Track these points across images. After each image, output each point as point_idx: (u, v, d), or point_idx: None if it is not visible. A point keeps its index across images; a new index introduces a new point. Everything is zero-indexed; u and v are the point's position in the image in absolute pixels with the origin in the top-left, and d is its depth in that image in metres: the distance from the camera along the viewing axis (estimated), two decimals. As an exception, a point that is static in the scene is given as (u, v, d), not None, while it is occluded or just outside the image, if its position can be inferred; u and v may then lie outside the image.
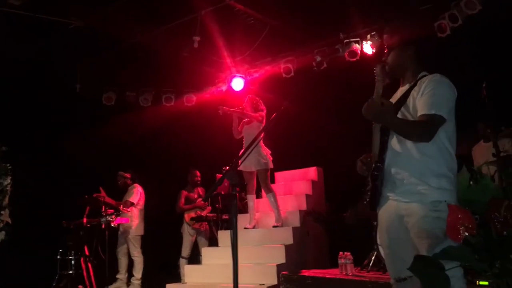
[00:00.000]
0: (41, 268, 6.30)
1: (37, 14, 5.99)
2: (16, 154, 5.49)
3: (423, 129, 2.37)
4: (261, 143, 6.09)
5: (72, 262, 6.24)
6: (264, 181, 6.10)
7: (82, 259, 6.35)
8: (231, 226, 2.51)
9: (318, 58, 7.23)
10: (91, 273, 6.42)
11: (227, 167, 5.66)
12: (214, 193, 6.96)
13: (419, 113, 2.40)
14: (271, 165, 6.14)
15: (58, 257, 6.27)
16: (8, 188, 5.28)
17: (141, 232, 7.27)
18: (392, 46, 2.65)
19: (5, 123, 6.50)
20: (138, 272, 7.12)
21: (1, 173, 5.22)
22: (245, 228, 6.15)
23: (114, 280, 7.05)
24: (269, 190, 6.13)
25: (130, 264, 7.23)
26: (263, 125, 6.02)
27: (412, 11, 6.37)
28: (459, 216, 1.92)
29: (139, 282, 7.11)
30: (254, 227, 6.24)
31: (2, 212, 5.15)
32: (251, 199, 6.29)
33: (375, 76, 2.53)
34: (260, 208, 6.64)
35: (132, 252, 7.15)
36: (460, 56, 5.93)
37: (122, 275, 7.14)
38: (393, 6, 6.23)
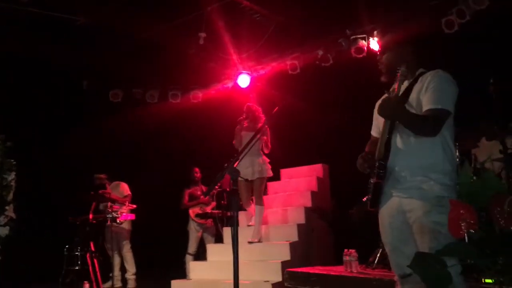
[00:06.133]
0: (47, 264, 6.34)
1: (44, 11, 6.00)
2: (21, 150, 5.52)
3: (430, 123, 2.38)
4: (261, 151, 6.02)
5: (79, 257, 6.28)
6: (260, 191, 5.97)
7: (88, 255, 6.37)
8: (232, 222, 2.49)
9: (321, 52, 7.17)
10: (97, 269, 6.44)
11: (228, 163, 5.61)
12: (219, 189, 6.96)
13: (424, 108, 2.41)
14: (271, 173, 6.05)
15: (65, 253, 6.30)
16: (13, 183, 5.30)
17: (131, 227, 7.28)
18: (387, 45, 2.66)
19: (10, 119, 6.53)
20: (132, 266, 7.12)
21: (5, 169, 5.25)
22: (248, 225, 6.13)
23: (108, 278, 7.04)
24: (261, 203, 5.98)
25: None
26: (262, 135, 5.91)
27: (420, 7, 6.30)
28: (461, 211, 1.89)
29: (135, 277, 7.12)
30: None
31: (7, 207, 5.18)
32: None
33: (398, 75, 2.51)
34: (265, 205, 6.61)
35: (126, 248, 7.14)
36: (466, 52, 5.86)
37: (116, 272, 7.11)
38: (400, 2, 6.19)
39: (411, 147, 2.45)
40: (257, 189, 5.96)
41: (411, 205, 2.39)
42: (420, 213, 2.34)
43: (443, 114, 2.37)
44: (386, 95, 2.58)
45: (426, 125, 2.38)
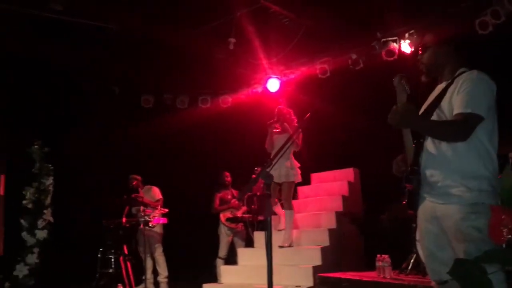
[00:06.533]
0: (82, 266, 6.46)
1: (77, 19, 6.14)
2: (58, 155, 5.70)
3: (456, 129, 2.30)
4: (292, 155, 6.02)
5: (112, 260, 6.38)
6: (288, 195, 5.96)
7: (121, 258, 6.48)
8: (266, 227, 2.49)
9: (354, 56, 7.11)
10: (130, 272, 6.54)
11: (259, 168, 5.62)
12: (249, 194, 6.98)
13: (454, 112, 2.32)
14: (299, 179, 6.04)
15: (99, 255, 6.42)
16: (50, 188, 5.49)
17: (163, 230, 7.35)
18: (428, 44, 2.58)
19: (47, 125, 6.71)
20: (164, 270, 7.18)
21: (43, 173, 5.44)
22: (278, 230, 6.11)
23: (141, 281, 7.13)
24: (290, 207, 5.99)
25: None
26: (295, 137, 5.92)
27: (452, 8, 6.19)
28: (502, 217, 1.84)
29: (167, 280, 7.18)
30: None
31: (45, 211, 5.37)
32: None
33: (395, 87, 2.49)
34: (295, 209, 6.60)
35: (159, 251, 7.21)
36: (503, 52, 5.72)
37: (148, 275, 7.16)
38: (432, 3, 6.09)
39: (443, 152, 2.37)
40: (285, 193, 5.94)
41: (446, 211, 2.32)
42: (455, 219, 2.27)
43: (472, 119, 2.26)
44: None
45: (450, 131, 2.31)
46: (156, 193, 7.39)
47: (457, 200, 2.28)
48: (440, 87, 2.54)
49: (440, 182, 2.35)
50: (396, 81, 2.48)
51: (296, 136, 5.62)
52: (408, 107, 2.32)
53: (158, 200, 7.27)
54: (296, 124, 6.02)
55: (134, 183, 7.41)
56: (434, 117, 2.44)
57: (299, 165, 6.06)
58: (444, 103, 2.40)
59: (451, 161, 2.34)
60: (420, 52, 2.61)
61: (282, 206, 6.09)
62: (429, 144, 2.43)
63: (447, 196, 2.32)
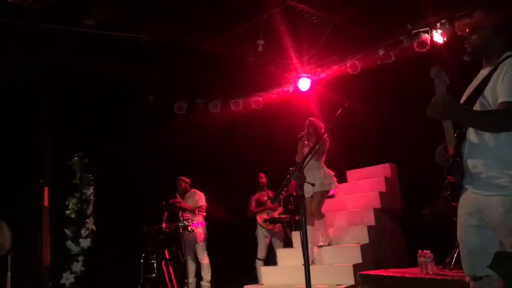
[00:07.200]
0: (126, 272, 6.60)
1: (110, 32, 6.29)
2: (97, 165, 5.86)
3: (501, 119, 2.20)
4: (323, 164, 5.95)
5: (155, 265, 6.50)
6: (319, 205, 5.86)
7: (163, 262, 6.59)
8: (301, 226, 2.50)
9: (381, 52, 6.99)
10: (172, 276, 6.65)
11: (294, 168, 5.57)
12: (286, 194, 6.97)
13: (499, 100, 2.22)
14: (336, 186, 5.94)
15: (141, 261, 6.55)
16: (91, 197, 5.67)
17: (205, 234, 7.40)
18: (480, 25, 2.41)
19: (86, 136, 6.89)
20: (207, 274, 7.23)
21: (84, 184, 5.63)
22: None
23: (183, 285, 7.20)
24: (320, 217, 5.89)
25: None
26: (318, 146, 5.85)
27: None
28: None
29: (209, 284, 7.23)
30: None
31: (87, 220, 5.55)
32: None
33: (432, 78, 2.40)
34: (332, 208, 6.56)
35: (202, 256, 7.28)
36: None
37: (191, 279, 7.24)
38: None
39: (485, 142, 2.28)
40: (315, 203, 5.81)
41: (490, 203, 2.24)
42: (500, 211, 2.19)
43: None
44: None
45: (494, 121, 2.22)
46: (200, 198, 7.42)
47: (502, 192, 2.20)
48: (483, 73, 2.43)
49: (484, 173, 2.27)
50: (433, 73, 2.39)
51: (320, 144, 5.56)
52: (448, 98, 2.26)
53: (200, 206, 7.32)
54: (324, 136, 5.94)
55: (182, 185, 7.52)
56: (477, 105, 2.35)
57: (333, 173, 5.98)
58: (488, 91, 2.31)
59: (495, 151, 2.26)
60: (468, 30, 2.47)
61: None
62: (472, 134, 2.34)
63: (491, 187, 2.24)
